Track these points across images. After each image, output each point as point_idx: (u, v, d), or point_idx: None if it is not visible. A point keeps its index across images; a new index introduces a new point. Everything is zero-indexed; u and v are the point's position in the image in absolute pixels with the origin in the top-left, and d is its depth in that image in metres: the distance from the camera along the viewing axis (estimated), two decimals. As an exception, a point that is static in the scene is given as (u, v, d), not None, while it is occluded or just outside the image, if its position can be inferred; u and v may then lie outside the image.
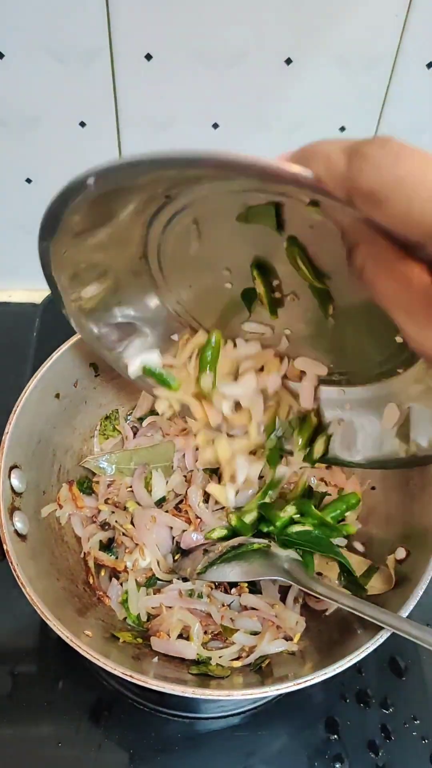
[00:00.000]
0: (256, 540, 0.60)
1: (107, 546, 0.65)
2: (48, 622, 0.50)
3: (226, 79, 0.79)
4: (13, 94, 0.80)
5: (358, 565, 0.60)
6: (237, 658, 0.58)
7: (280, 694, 0.65)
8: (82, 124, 0.85)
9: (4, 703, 0.65)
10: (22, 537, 0.56)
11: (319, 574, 0.60)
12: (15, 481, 0.58)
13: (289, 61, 0.78)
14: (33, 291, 1.05)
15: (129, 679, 0.47)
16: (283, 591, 0.63)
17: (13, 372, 0.92)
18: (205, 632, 0.58)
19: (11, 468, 0.58)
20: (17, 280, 1.05)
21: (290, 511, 0.61)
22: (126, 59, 0.77)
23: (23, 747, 0.63)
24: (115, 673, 0.48)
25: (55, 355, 0.64)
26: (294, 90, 0.81)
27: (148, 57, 0.78)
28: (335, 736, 0.64)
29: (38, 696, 0.65)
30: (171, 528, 0.64)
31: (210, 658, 0.57)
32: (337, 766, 0.62)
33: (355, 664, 0.48)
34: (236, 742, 0.63)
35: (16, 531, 0.56)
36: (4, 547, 0.53)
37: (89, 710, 0.65)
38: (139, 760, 0.62)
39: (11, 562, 0.52)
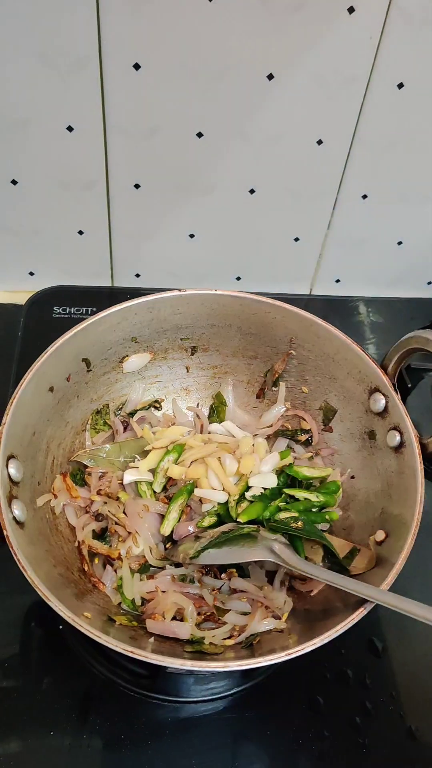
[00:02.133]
0: (246, 525, 0.63)
1: (101, 535, 0.67)
2: (49, 602, 0.51)
3: (212, 91, 0.82)
4: (2, 97, 0.82)
5: (340, 547, 0.63)
6: (229, 637, 0.60)
7: (268, 670, 0.67)
8: (70, 128, 0.86)
9: (-5, 693, 0.66)
10: (20, 524, 0.58)
11: (305, 558, 0.63)
12: (12, 471, 0.59)
13: (270, 77, 0.82)
14: (15, 292, 1.05)
15: (130, 654, 0.49)
16: (270, 575, 0.66)
17: (-2, 375, 0.93)
18: (198, 613, 0.61)
19: (8, 458, 0.60)
20: (-1, 281, 1.05)
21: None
22: (115, 67, 0.80)
23: (15, 736, 0.64)
24: (117, 649, 0.50)
25: (51, 348, 0.66)
26: (274, 104, 0.84)
27: (137, 66, 0.80)
28: (318, 715, 0.67)
29: (29, 686, 0.66)
30: (162, 516, 0.67)
31: (204, 638, 0.59)
32: (321, 742, 0.65)
33: (335, 645, 0.51)
34: (224, 723, 0.66)
35: (14, 518, 0.57)
36: (5, 533, 0.55)
37: (80, 699, 0.66)
38: (130, 745, 0.64)
39: (12, 547, 0.54)
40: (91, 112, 0.85)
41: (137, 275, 1.06)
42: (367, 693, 0.68)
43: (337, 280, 1.10)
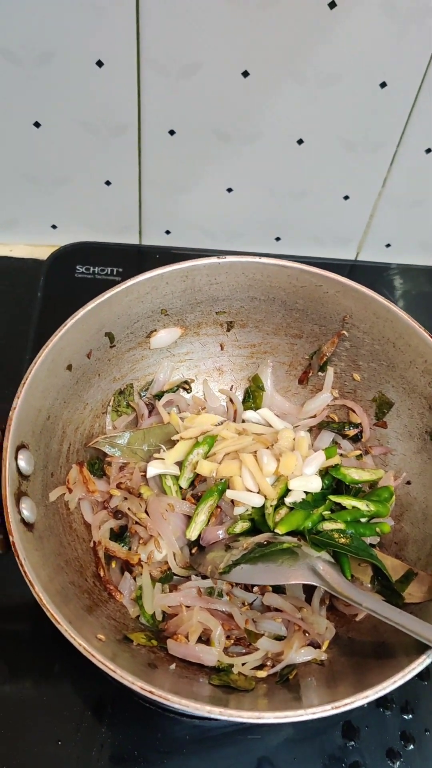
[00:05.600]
0: (286, 538, 0.55)
1: (119, 535, 0.60)
2: (59, 626, 0.45)
3: (262, 21, 0.73)
4: (25, 26, 0.74)
5: (394, 569, 0.55)
6: (261, 667, 0.53)
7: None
8: (99, 63, 0.77)
9: None
10: (29, 526, 0.51)
11: (351, 577, 0.55)
12: (22, 463, 0.52)
13: (333, 5, 0.72)
14: (36, 246, 0.97)
15: (149, 695, 0.42)
16: (308, 590, 0.59)
17: (13, 335, 0.86)
18: (228, 637, 0.54)
19: (18, 448, 0.52)
20: (18, 233, 0.97)
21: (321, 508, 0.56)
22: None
23: (19, 745, 0.59)
24: (133, 687, 0.43)
25: (69, 322, 0.58)
26: (335, 38, 0.75)
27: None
28: (352, 743, 0.60)
29: (36, 690, 0.61)
30: (189, 517, 0.59)
31: (232, 666, 0.52)
32: (353, 772, 0.59)
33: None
34: (248, 745, 0.60)
35: (23, 520, 0.50)
36: (10, 539, 0.47)
37: (91, 707, 0.61)
38: (144, 763, 0.58)
39: (18, 557, 0.47)
40: (123, 45, 0.75)
41: (167, 232, 0.99)
42: (408, 721, 0.61)
43: (388, 245, 1.01)
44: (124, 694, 0.61)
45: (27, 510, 0.51)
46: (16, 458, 0.52)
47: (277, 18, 0.72)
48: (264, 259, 0.63)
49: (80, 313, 0.58)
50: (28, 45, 0.74)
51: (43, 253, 0.95)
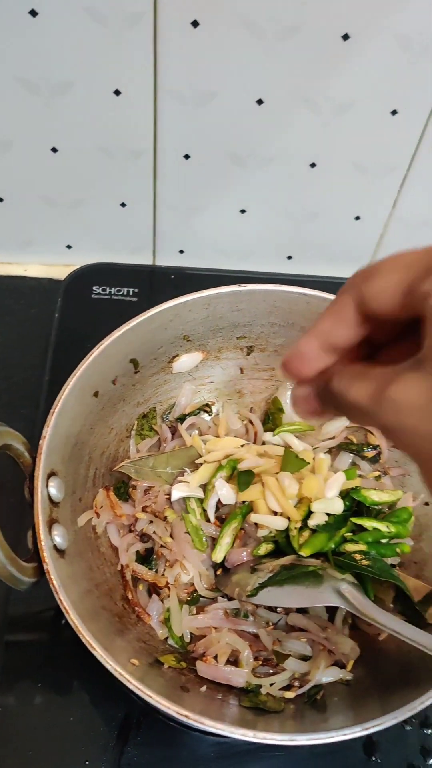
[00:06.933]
0: (310, 561, 0.56)
1: (145, 557, 0.62)
2: (95, 652, 0.46)
3: (278, 52, 0.75)
4: (44, 57, 0.74)
5: (416, 590, 0.57)
6: (288, 687, 0.55)
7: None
8: (117, 92, 0.78)
9: (28, 718, 0.61)
10: (60, 552, 0.52)
11: (374, 598, 0.56)
12: (53, 490, 0.53)
13: (346, 37, 0.74)
14: (50, 266, 0.99)
15: (184, 720, 0.44)
16: (330, 609, 0.60)
17: (30, 354, 0.86)
18: (255, 658, 0.55)
19: (49, 475, 0.54)
20: (33, 253, 0.99)
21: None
22: (170, 24, 0.73)
23: (48, 763, 0.60)
24: (169, 713, 0.44)
25: (96, 350, 0.59)
26: (348, 68, 0.77)
27: (195, 23, 0.73)
28: (374, 758, 0.62)
29: (61, 711, 0.62)
30: (213, 539, 0.61)
31: (260, 686, 0.53)
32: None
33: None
34: (273, 761, 0.61)
35: (55, 546, 0.51)
36: (44, 566, 0.49)
37: (118, 727, 0.62)
38: (171, 780, 0.60)
39: (52, 584, 0.48)
40: (141, 75, 0.77)
41: (181, 251, 1.00)
42: (429, 736, 0.62)
43: (397, 263, 1.02)
44: (150, 713, 0.62)
45: (59, 536, 0.52)
46: (47, 485, 0.53)
47: (293, 49, 0.74)
48: (284, 287, 0.65)
49: (107, 341, 0.59)
50: (47, 75, 0.76)
51: (58, 272, 0.96)
